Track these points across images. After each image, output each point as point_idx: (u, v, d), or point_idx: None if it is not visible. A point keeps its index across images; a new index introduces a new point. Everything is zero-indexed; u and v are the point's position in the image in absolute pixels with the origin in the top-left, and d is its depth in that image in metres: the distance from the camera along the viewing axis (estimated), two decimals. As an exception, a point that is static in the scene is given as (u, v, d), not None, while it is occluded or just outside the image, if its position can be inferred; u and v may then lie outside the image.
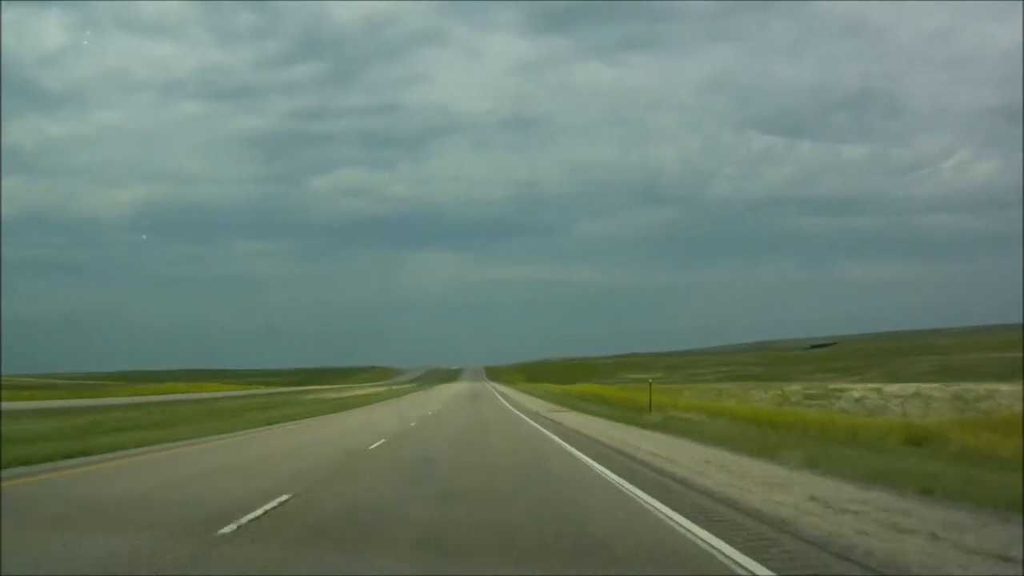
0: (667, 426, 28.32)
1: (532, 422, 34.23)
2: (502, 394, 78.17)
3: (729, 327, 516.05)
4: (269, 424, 32.43)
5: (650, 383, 41.21)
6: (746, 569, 7.11)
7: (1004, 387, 48.48)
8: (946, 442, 18.47)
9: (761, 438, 21.39)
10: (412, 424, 33.11)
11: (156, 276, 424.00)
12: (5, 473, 13.79)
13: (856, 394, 56.90)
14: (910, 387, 59.63)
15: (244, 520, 9.13)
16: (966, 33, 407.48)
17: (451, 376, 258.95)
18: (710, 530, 8.84)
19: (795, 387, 72.22)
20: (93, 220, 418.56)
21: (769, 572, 7.01)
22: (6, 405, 44.58)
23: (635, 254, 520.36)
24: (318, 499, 11.07)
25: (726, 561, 7.43)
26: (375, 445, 21.05)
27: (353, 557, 7.60)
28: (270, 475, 13.97)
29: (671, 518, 9.69)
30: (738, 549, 7.85)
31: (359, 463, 16.46)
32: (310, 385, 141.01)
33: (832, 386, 71.87)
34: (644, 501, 11.15)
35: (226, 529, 8.62)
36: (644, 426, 28.68)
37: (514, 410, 45.73)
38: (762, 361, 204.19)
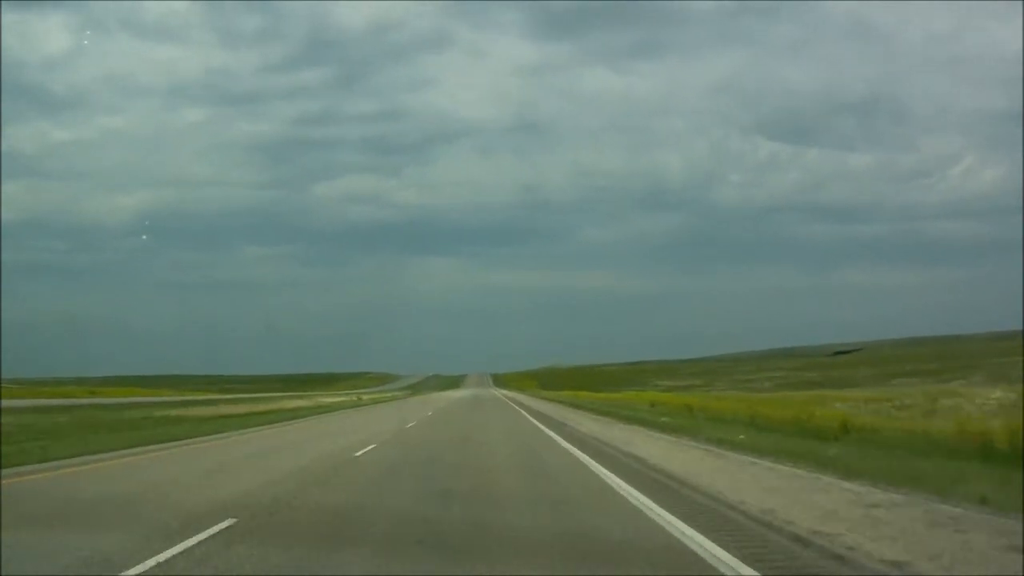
0: None
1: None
2: (536, 413, 42.60)
3: (740, 333, 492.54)
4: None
5: None
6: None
7: None
8: None
9: None
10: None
11: (159, 281, 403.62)
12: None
13: None
14: None
15: None
16: (973, 36, 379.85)
17: (452, 383, 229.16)
18: None
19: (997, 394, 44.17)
20: (97, 225, 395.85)
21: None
22: None
23: (642, 260, 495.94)
24: None
25: None
26: None
27: None
28: None
29: None
30: None
31: None
32: (287, 391, 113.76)
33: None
34: None
35: None
36: None
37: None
38: (808, 367, 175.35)
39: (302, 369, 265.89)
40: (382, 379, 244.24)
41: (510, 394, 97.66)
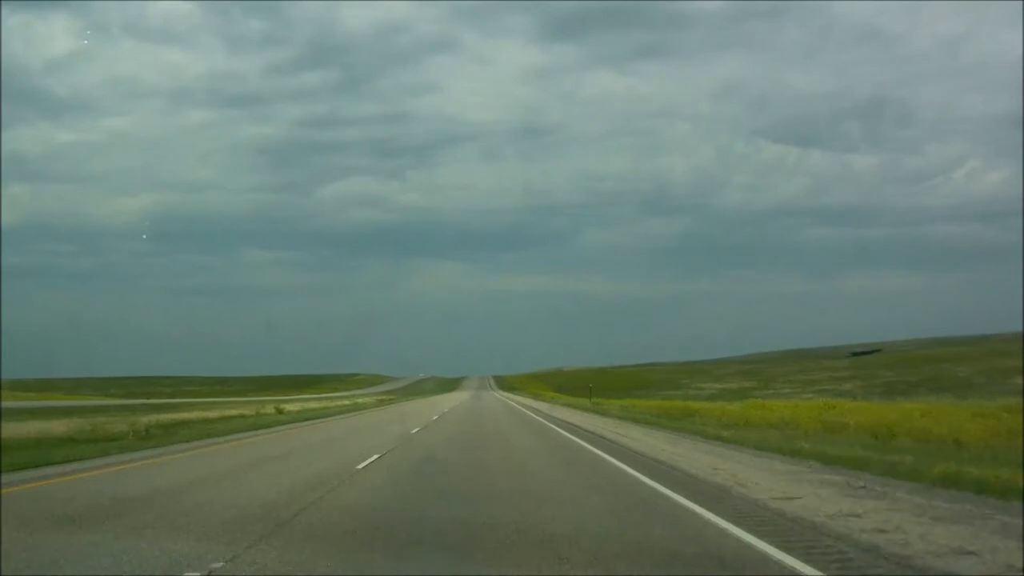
0: None
1: None
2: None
3: (749, 336, 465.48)
4: None
5: None
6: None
7: None
8: None
9: None
10: None
11: (162, 284, 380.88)
12: None
13: None
14: None
15: None
16: (980, 39, 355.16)
17: (450, 385, 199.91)
18: None
19: None
20: (102, 228, 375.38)
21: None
22: None
23: (646, 264, 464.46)
24: None
25: None
26: None
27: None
28: None
29: None
30: None
31: None
32: (251, 396, 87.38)
33: None
34: None
35: None
36: None
37: None
38: (864, 366, 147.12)
39: (301, 371, 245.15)
40: (372, 381, 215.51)
41: (529, 403, 66.48)
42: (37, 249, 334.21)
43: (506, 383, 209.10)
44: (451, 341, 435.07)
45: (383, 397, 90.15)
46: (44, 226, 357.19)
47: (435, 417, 33.98)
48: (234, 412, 34.72)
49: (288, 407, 43.94)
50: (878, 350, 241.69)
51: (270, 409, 40.00)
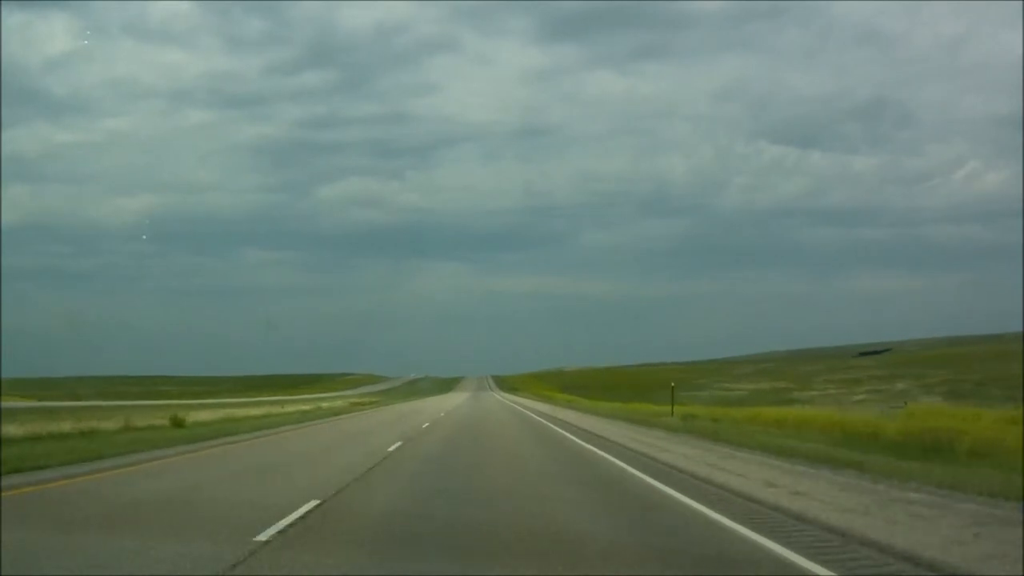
0: None
1: None
2: None
3: (750, 336, 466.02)
4: None
5: None
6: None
7: None
8: None
9: None
10: None
11: (162, 285, 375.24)
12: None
13: None
14: None
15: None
16: (980, 40, 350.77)
17: (445, 386, 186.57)
18: None
19: None
20: (100, 229, 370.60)
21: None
22: None
23: (646, 264, 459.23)
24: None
25: None
26: None
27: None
28: None
29: None
30: None
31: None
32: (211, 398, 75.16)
33: None
34: None
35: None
36: None
37: None
38: (894, 364, 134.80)
39: (300, 370, 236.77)
40: (363, 381, 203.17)
41: (551, 412, 44.24)
42: (36, 250, 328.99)
43: (507, 383, 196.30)
44: (450, 341, 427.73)
45: (360, 400, 76.89)
46: (43, 227, 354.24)
47: (391, 449, 19.44)
48: (69, 427, 21.50)
49: (202, 415, 30.78)
50: (888, 349, 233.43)
51: (162, 420, 26.76)
